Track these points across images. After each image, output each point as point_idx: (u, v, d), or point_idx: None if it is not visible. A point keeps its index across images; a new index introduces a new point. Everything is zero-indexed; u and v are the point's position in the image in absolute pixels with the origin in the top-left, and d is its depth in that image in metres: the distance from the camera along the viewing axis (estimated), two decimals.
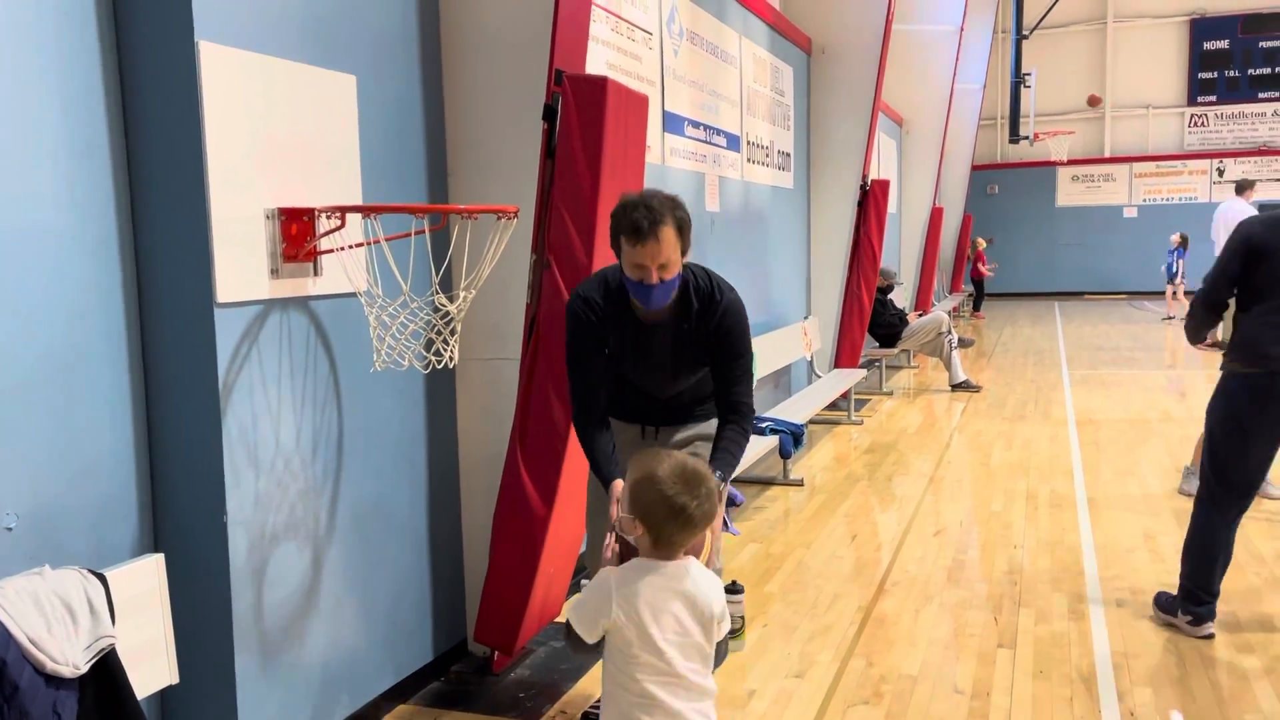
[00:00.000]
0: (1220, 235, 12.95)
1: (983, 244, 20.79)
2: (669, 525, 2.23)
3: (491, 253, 3.20)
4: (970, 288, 20.85)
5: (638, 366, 3.14)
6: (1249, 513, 4.24)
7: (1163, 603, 4.29)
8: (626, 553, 2.43)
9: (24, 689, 2.09)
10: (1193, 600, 4.11)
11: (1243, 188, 11.87)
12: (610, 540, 2.52)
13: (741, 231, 7.57)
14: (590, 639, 2.28)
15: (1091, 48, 24.49)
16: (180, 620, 2.74)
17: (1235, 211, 11.73)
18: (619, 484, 2.85)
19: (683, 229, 2.87)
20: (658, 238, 2.78)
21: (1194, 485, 6.30)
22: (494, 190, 3.83)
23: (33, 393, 2.51)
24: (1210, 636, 4.08)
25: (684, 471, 2.25)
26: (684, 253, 2.90)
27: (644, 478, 2.25)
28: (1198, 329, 4.30)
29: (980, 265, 20.48)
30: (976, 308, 20.30)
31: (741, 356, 3.08)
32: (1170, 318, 17.69)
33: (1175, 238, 18.35)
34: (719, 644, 3.05)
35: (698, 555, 2.40)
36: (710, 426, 3.19)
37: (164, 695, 2.86)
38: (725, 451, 3.00)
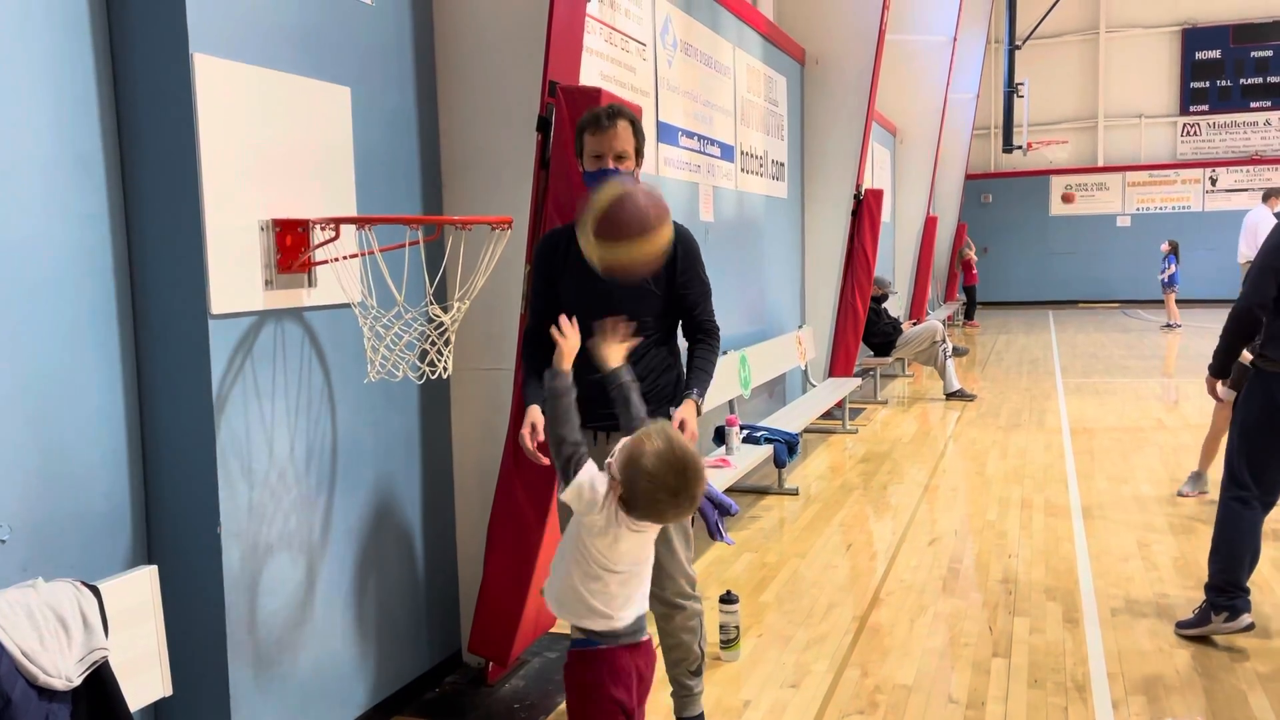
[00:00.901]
0: (1249, 244, 12.96)
1: (971, 254, 20.64)
2: (641, 508, 2.37)
3: (486, 263, 3.20)
4: (963, 296, 20.84)
5: (588, 306, 3.09)
6: None
7: (1189, 621, 4.22)
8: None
9: (16, 702, 2.09)
10: (1225, 595, 4.08)
11: (1269, 195, 11.85)
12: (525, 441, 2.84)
13: (736, 241, 7.58)
14: (581, 500, 2.41)
15: (1084, 58, 24.59)
16: (174, 632, 2.74)
17: (1264, 219, 11.71)
18: (534, 409, 3.09)
19: (636, 127, 3.21)
20: (615, 126, 3.15)
21: (1194, 487, 6.24)
22: (488, 201, 3.83)
23: (26, 404, 2.51)
24: (1251, 626, 4.05)
25: (674, 464, 2.31)
26: (638, 155, 3.20)
27: (633, 458, 2.34)
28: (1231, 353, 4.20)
29: (968, 274, 20.38)
30: (970, 316, 20.23)
31: (699, 278, 3.29)
32: (1170, 325, 17.72)
33: (1165, 246, 18.39)
34: (696, 649, 3.24)
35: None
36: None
37: (157, 708, 2.85)
38: (700, 371, 3.24)
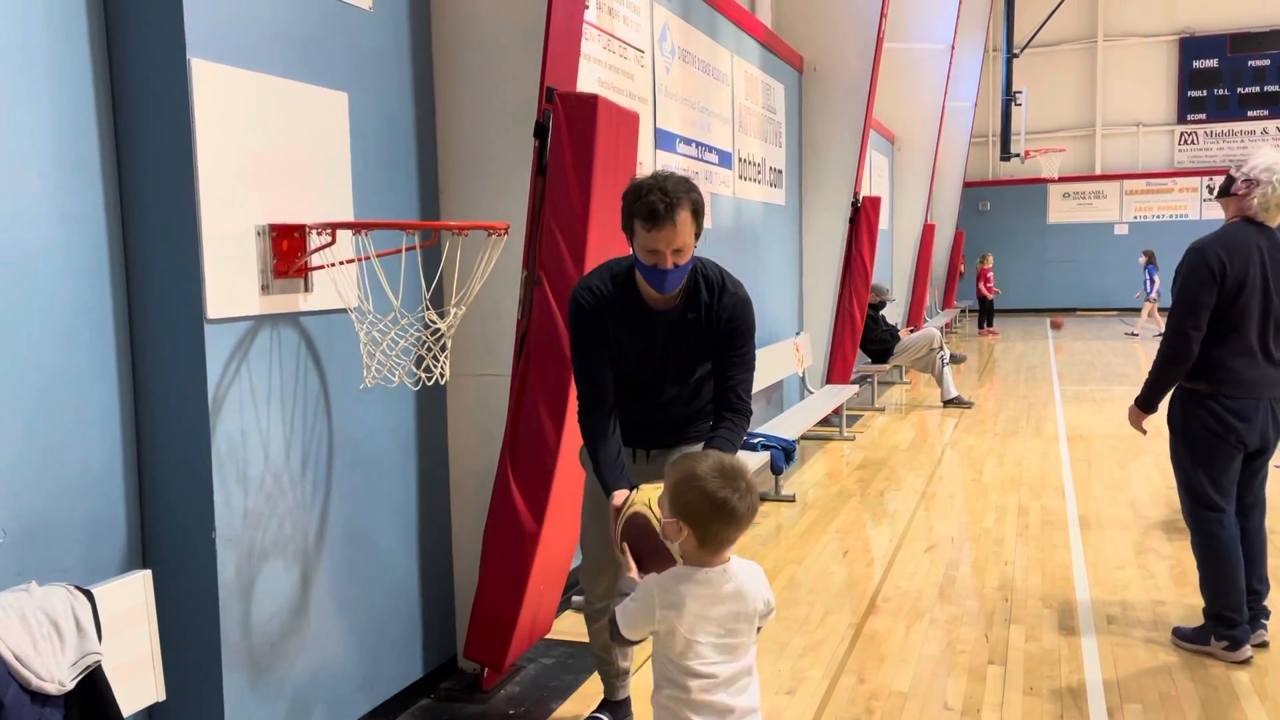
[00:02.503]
0: None
1: (990, 262, 20.40)
2: (715, 521, 2.21)
3: (482, 269, 3.20)
4: (965, 303, 20.77)
5: (639, 359, 3.03)
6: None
7: (1187, 634, 4.19)
8: (647, 564, 2.45)
9: (9, 706, 2.08)
10: (1225, 624, 4.01)
11: None
12: (627, 560, 2.51)
13: (734, 248, 7.59)
14: (635, 639, 2.32)
15: (1082, 66, 24.66)
16: (168, 637, 2.73)
17: None
18: (621, 494, 2.78)
19: (698, 213, 2.83)
20: (674, 222, 2.74)
21: None
22: (485, 207, 3.84)
23: (22, 407, 2.51)
24: (1249, 661, 3.97)
25: (723, 466, 2.24)
26: (698, 236, 2.86)
27: (685, 477, 2.23)
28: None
29: (982, 284, 20.01)
30: (989, 324, 19.70)
31: (746, 354, 3.03)
32: (1134, 334, 17.77)
33: (1143, 258, 18.33)
34: None
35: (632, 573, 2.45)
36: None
37: (151, 712, 2.85)
38: (722, 441, 2.93)
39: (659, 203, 2.72)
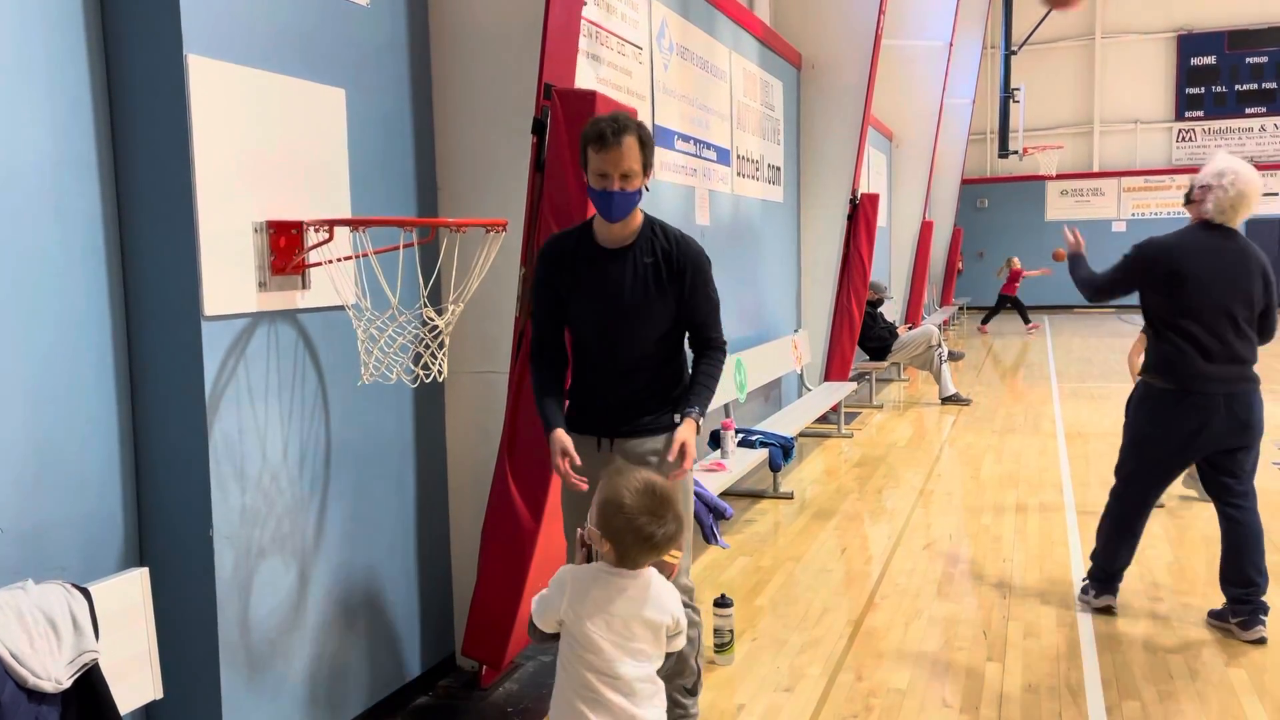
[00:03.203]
0: None
1: (1017, 262, 20.10)
2: (634, 548, 2.34)
3: (480, 266, 3.20)
4: (964, 300, 20.67)
5: (601, 311, 3.11)
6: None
7: (1083, 588, 4.66)
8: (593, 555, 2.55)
9: (5, 704, 2.08)
10: (1093, 577, 4.54)
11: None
12: (580, 545, 2.58)
13: (732, 245, 7.59)
14: (546, 629, 2.41)
15: (1080, 63, 24.66)
16: (165, 635, 2.73)
17: None
18: (560, 434, 3.04)
19: (645, 142, 3.01)
20: (620, 145, 2.94)
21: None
22: (483, 203, 3.83)
23: (18, 404, 2.50)
24: (1109, 610, 4.49)
25: (651, 496, 2.35)
26: (645, 170, 3.02)
27: (612, 501, 2.35)
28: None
29: (1014, 283, 19.50)
30: (1025, 320, 19.15)
31: (710, 292, 3.20)
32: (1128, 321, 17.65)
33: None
34: (693, 664, 3.07)
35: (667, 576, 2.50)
36: (666, 440, 3.15)
37: (148, 710, 2.84)
38: (702, 387, 3.17)
39: (607, 128, 2.95)
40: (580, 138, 3.05)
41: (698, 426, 3.11)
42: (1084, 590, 4.65)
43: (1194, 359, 4.10)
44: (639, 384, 3.18)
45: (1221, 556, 4.26)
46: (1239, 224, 4.20)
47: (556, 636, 2.41)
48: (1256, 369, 4.21)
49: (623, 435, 3.18)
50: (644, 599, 2.37)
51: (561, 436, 3.04)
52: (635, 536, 2.32)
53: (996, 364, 14.28)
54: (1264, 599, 4.18)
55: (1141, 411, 4.33)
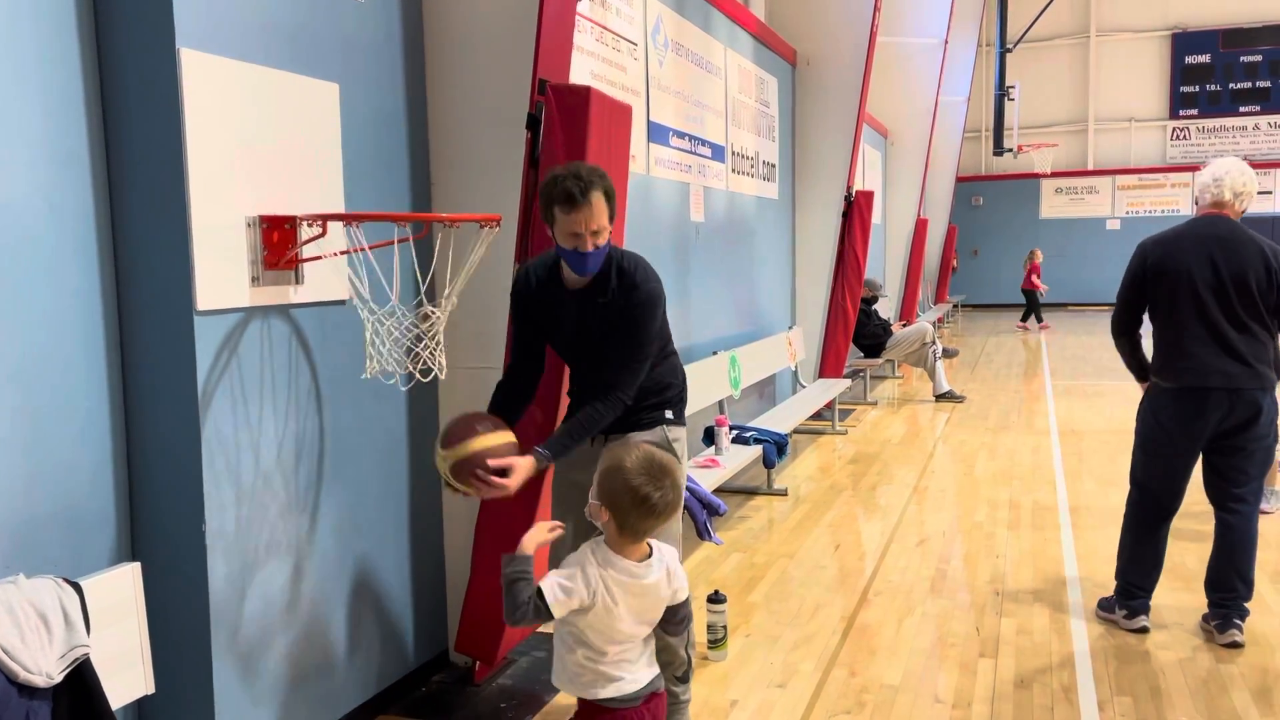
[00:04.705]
0: None
1: (1040, 256, 19.98)
2: (634, 513, 2.40)
3: (474, 261, 3.19)
4: (959, 297, 20.60)
5: (566, 343, 3.23)
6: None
7: (1103, 603, 4.51)
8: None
9: None
10: (1125, 595, 4.35)
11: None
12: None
13: (726, 242, 7.58)
14: (558, 615, 2.46)
15: (1074, 61, 24.67)
16: (158, 629, 2.72)
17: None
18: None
19: (610, 195, 3.00)
20: (589, 202, 2.92)
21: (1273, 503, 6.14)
22: (477, 199, 3.82)
23: (9, 399, 2.49)
24: (1144, 630, 4.28)
25: (651, 463, 2.42)
26: (611, 220, 3.02)
27: (612, 467, 2.43)
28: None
29: (1035, 278, 19.45)
30: (1039, 319, 19.14)
31: (633, 345, 3.09)
32: None
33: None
34: (683, 654, 3.20)
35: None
36: (656, 435, 3.22)
37: (140, 705, 2.84)
38: (566, 433, 3.07)
39: (574, 186, 2.91)
40: (540, 195, 3.01)
41: (536, 468, 2.96)
42: (1108, 607, 4.44)
43: (1186, 352, 4.05)
44: None
45: (1209, 559, 4.25)
46: (1238, 215, 4.10)
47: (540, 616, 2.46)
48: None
49: (615, 431, 3.22)
50: (654, 584, 2.50)
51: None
52: (633, 498, 2.37)
53: (990, 361, 14.30)
54: (1245, 604, 4.17)
55: (1147, 412, 4.28)
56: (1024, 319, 19.59)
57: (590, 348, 3.19)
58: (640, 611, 2.50)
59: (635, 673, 2.53)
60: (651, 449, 2.49)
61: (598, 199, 2.94)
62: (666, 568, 2.53)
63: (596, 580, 2.44)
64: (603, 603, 2.43)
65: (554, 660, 2.61)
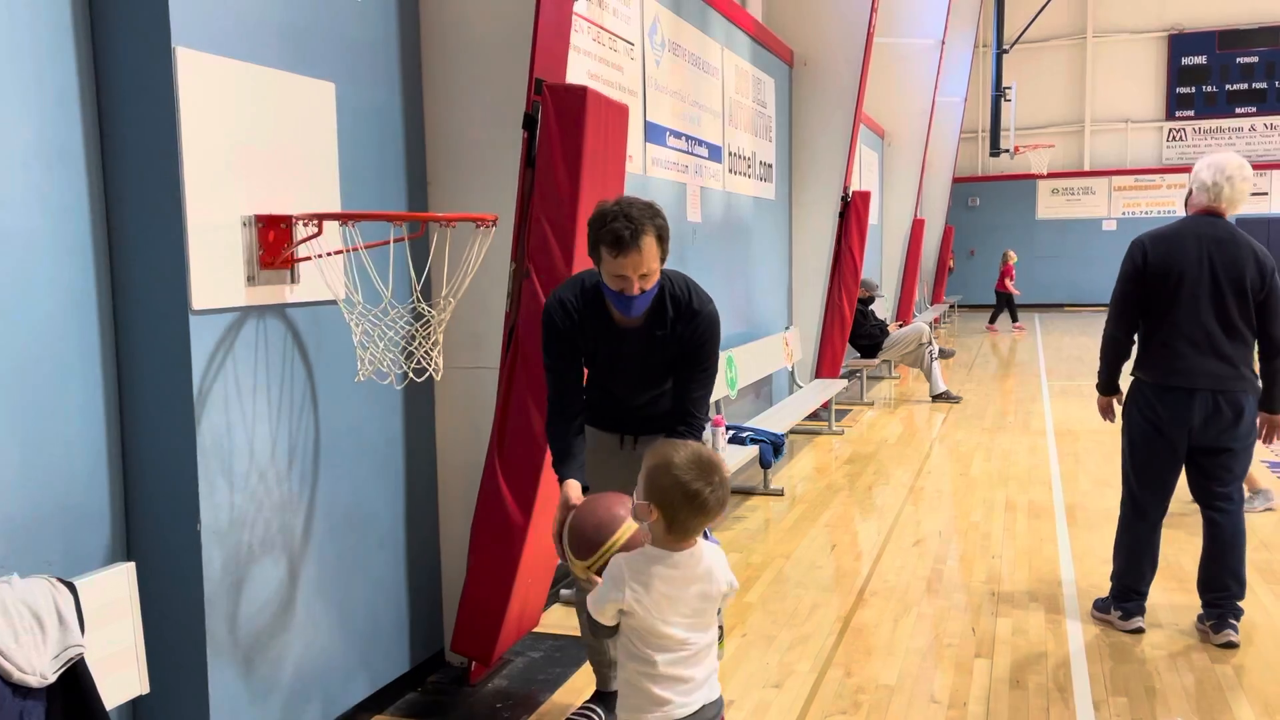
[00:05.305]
0: None
1: (1013, 258, 20.05)
2: (684, 510, 2.27)
3: (471, 261, 3.19)
4: (955, 298, 20.62)
5: (610, 371, 3.16)
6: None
7: (1098, 604, 4.51)
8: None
9: None
10: (1122, 598, 4.35)
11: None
12: (564, 549, 2.61)
13: (723, 242, 7.58)
14: (609, 622, 2.37)
15: (1071, 62, 24.70)
16: (152, 629, 2.72)
17: None
18: (572, 485, 2.89)
19: (662, 238, 2.86)
20: (639, 248, 2.76)
21: (1258, 503, 6.14)
22: (473, 199, 3.82)
23: (4, 398, 2.49)
24: (1140, 631, 4.28)
25: (699, 459, 2.30)
26: (663, 260, 2.91)
27: (661, 464, 2.29)
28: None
29: (1007, 280, 19.49)
30: (1014, 319, 19.23)
31: (706, 369, 3.07)
32: None
33: None
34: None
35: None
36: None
37: (135, 705, 2.83)
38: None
39: (624, 229, 2.73)
40: (589, 229, 2.84)
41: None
42: (1103, 608, 4.44)
43: (1177, 352, 4.06)
44: (659, 405, 3.24)
45: (1200, 560, 4.25)
46: (1231, 214, 4.09)
47: (616, 627, 2.37)
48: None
49: (646, 433, 3.24)
50: (706, 573, 2.36)
51: (573, 487, 2.88)
52: (683, 495, 2.25)
53: (987, 362, 14.31)
54: (1239, 604, 4.18)
55: (1132, 409, 4.28)
56: (992, 320, 19.63)
57: (648, 376, 3.10)
58: (680, 603, 2.32)
59: (688, 695, 2.33)
60: (698, 445, 2.36)
61: (648, 243, 2.76)
62: (711, 560, 2.39)
63: (622, 569, 2.33)
64: (631, 594, 2.29)
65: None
